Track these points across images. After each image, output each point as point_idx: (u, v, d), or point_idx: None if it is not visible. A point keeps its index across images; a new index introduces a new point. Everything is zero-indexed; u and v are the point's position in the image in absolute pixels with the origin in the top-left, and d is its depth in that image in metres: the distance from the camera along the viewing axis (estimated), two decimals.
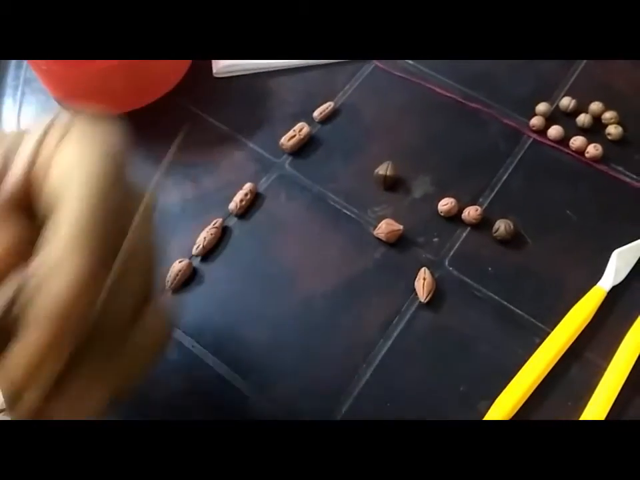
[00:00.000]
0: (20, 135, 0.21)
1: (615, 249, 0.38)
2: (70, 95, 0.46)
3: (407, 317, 0.37)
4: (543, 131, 0.43)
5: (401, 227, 0.39)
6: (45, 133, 0.21)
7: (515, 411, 0.34)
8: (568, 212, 0.40)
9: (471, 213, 0.39)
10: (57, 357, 0.17)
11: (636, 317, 0.36)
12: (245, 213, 0.41)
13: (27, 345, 0.17)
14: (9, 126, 0.46)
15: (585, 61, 0.47)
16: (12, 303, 0.17)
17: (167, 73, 0.46)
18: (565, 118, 0.44)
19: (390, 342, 0.36)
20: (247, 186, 0.41)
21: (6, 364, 0.17)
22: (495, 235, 0.39)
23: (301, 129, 0.43)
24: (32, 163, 0.21)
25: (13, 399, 0.17)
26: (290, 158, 0.43)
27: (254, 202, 0.41)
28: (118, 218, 0.19)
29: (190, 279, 0.38)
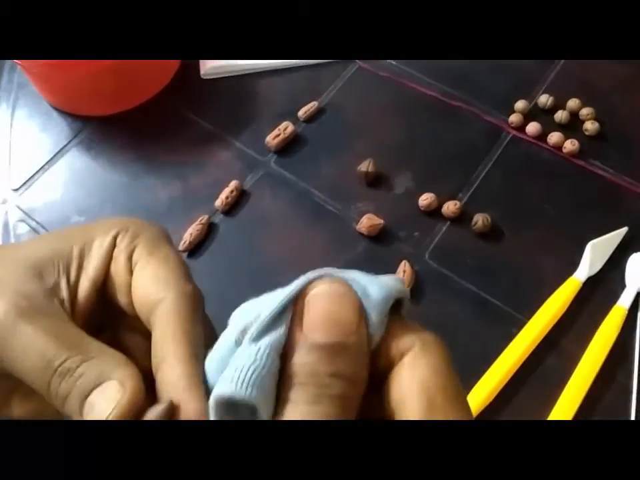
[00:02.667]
0: (88, 231, 0.24)
1: (590, 241, 0.39)
2: (62, 98, 0.47)
3: None
4: (521, 128, 0.44)
5: (382, 221, 0.40)
6: (114, 237, 0.24)
7: (493, 397, 0.35)
8: (545, 205, 0.41)
9: (450, 207, 0.40)
10: None
11: (610, 307, 0.37)
12: (230, 209, 0.42)
13: None
14: (3, 128, 0.47)
15: (563, 60, 0.48)
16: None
17: (155, 75, 0.48)
18: (543, 115, 0.45)
19: None
20: (233, 183, 0.42)
21: None
22: (473, 228, 0.40)
23: (285, 128, 0.44)
24: (109, 259, 0.24)
25: None
26: (275, 156, 0.44)
27: (240, 199, 0.42)
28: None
29: None
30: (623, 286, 0.38)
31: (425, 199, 0.41)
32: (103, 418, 0.20)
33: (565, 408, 0.34)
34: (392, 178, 0.43)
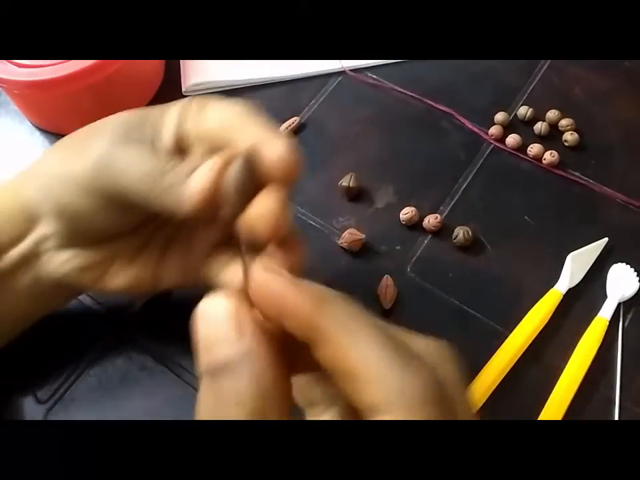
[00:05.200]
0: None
1: (570, 252, 0.39)
2: (43, 117, 0.47)
3: None
4: (501, 140, 0.45)
5: (363, 236, 0.40)
6: (185, 106, 0.28)
7: (476, 410, 0.35)
8: (526, 217, 0.41)
9: (430, 221, 0.40)
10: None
11: (592, 318, 0.37)
12: None
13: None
14: None
15: (542, 71, 0.48)
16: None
17: (137, 92, 0.48)
18: (522, 126, 0.45)
19: None
20: None
21: None
22: (454, 241, 0.40)
23: None
24: (182, 121, 0.27)
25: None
26: None
27: None
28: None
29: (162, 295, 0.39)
30: (604, 297, 0.38)
31: (406, 213, 0.41)
32: (199, 187, 0.24)
33: (548, 419, 0.34)
34: (373, 192, 0.43)
